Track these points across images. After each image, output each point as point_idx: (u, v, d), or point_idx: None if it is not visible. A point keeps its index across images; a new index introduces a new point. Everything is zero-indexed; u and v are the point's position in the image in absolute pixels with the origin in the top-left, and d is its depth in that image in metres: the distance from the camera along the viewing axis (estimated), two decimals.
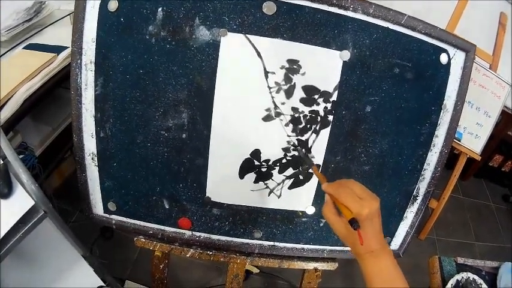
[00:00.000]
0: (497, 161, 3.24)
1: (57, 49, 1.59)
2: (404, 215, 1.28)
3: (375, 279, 0.75)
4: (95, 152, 1.12)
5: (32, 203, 1.05)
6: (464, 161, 2.32)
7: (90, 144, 1.11)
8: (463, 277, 1.37)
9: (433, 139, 1.18)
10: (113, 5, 0.97)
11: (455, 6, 2.01)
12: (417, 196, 1.26)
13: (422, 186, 1.24)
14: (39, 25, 1.76)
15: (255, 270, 2.10)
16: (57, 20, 1.80)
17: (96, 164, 1.13)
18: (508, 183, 3.36)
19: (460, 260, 1.45)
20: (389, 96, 1.08)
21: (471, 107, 2.16)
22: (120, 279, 1.87)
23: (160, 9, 0.95)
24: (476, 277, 1.39)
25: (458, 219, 2.93)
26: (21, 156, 1.55)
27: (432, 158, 1.21)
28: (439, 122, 1.16)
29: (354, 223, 0.71)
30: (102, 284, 1.35)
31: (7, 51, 1.59)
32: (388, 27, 1.02)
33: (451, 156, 1.21)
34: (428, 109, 1.13)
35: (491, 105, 2.19)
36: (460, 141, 2.19)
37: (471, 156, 2.26)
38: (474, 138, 2.22)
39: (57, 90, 1.59)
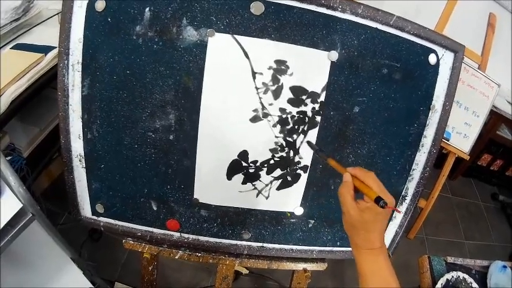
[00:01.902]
0: (485, 160, 3.27)
1: (45, 49, 1.58)
2: (393, 215, 1.28)
3: (370, 277, 0.75)
4: (82, 154, 1.11)
5: (20, 205, 1.04)
6: (453, 161, 2.33)
7: (77, 146, 1.10)
8: (453, 276, 1.37)
9: (422, 139, 1.18)
10: (100, 5, 0.96)
11: (445, 6, 2.02)
12: (406, 196, 1.26)
13: (411, 187, 1.25)
14: (27, 25, 1.73)
15: (245, 271, 2.09)
16: (45, 20, 1.78)
17: (84, 166, 1.12)
18: (496, 182, 3.40)
19: (450, 259, 1.45)
20: (378, 96, 1.08)
21: (460, 107, 2.17)
22: (109, 281, 1.86)
23: (147, 9, 0.95)
24: (466, 276, 1.39)
25: (447, 218, 2.95)
26: (8, 157, 1.54)
27: (421, 158, 1.21)
28: (427, 123, 1.17)
29: (381, 201, 0.68)
30: (92, 286, 1.34)
31: None
32: (376, 28, 1.02)
33: (439, 155, 1.21)
34: (416, 109, 1.14)
35: (480, 105, 2.21)
36: (448, 141, 2.20)
37: (460, 156, 2.28)
38: (463, 138, 2.23)
39: (45, 91, 1.57)
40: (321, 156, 1.07)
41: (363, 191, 0.74)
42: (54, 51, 1.57)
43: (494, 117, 2.82)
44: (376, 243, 0.75)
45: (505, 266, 1.44)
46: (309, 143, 1.08)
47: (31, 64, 1.50)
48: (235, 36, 0.96)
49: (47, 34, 1.71)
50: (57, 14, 1.79)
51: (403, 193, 1.25)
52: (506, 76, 2.42)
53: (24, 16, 1.73)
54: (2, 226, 0.99)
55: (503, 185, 3.38)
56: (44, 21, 1.78)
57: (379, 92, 1.07)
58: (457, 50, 1.11)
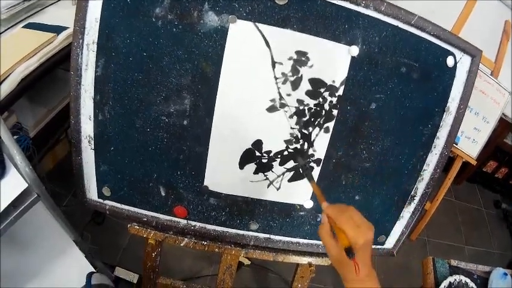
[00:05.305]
0: (491, 167, 3.26)
1: (57, 29, 1.56)
2: (401, 215, 1.28)
3: None
4: (92, 135, 1.09)
5: (25, 185, 1.02)
6: (460, 165, 2.33)
7: (87, 127, 1.08)
8: (455, 279, 1.39)
9: (435, 140, 1.18)
10: None
11: (461, 10, 2.00)
12: (415, 196, 1.26)
13: (420, 187, 1.25)
14: (39, 4, 1.72)
15: (247, 262, 2.10)
16: (58, 1, 1.77)
17: (93, 148, 1.11)
18: (500, 190, 3.39)
19: (454, 263, 1.47)
20: (395, 94, 1.07)
21: (470, 112, 2.16)
22: (110, 266, 1.85)
23: None
24: (468, 280, 1.41)
25: (449, 222, 2.95)
26: (15, 136, 1.53)
27: (432, 159, 1.21)
28: (441, 124, 1.16)
29: (349, 252, 0.73)
30: (93, 269, 1.33)
31: (6, 30, 1.56)
32: (398, 26, 1.01)
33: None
34: (431, 110, 1.13)
35: (490, 111, 2.20)
36: (457, 144, 2.19)
37: (466, 161, 2.27)
38: (471, 142, 2.22)
39: (54, 71, 1.56)
40: (307, 175, 1.08)
41: (337, 235, 0.77)
42: (67, 32, 1.55)
43: (502, 125, 2.80)
44: (362, 273, 0.76)
45: (505, 274, 1.47)
46: (298, 159, 1.10)
47: (43, 43, 1.48)
48: (257, 24, 0.94)
49: (59, 15, 1.70)
50: None
51: (412, 193, 1.25)
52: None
53: None
54: (6, 206, 0.97)
55: (507, 193, 3.37)
56: (57, 1, 1.77)
57: (397, 90, 1.07)
58: (475, 54, 1.11)
